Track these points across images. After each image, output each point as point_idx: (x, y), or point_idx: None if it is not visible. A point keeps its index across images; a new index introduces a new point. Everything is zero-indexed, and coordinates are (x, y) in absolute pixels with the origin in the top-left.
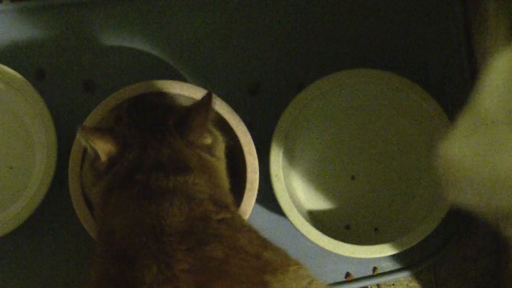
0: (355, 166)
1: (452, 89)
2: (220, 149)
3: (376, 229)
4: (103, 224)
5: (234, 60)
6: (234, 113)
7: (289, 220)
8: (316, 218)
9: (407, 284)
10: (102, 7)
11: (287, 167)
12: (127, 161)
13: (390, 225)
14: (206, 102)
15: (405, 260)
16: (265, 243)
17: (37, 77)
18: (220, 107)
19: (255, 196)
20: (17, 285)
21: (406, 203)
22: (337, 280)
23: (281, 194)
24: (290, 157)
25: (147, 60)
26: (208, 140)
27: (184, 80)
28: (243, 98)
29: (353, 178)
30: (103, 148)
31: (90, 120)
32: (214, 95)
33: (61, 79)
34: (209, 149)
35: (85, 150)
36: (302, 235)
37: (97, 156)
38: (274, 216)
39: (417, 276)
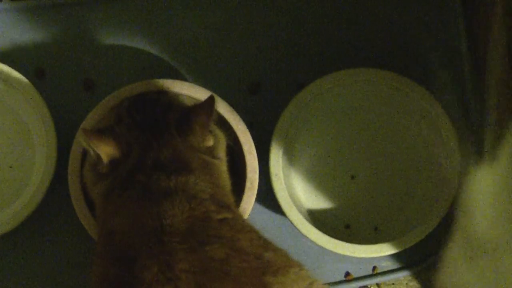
0: (355, 165)
1: (452, 89)
2: (222, 150)
3: (376, 229)
4: (104, 224)
5: (234, 59)
6: (234, 112)
7: (289, 220)
8: (316, 218)
9: (406, 283)
10: (102, 6)
11: (287, 167)
12: (129, 163)
13: (389, 225)
14: (208, 105)
15: (404, 260)
16: (266, 244)
17: (37, 76)
18: (220, 106)
19: (255, 196)
20: (16, 284)
21: (405, 203)
22: (337, 279)
23: (281, 194)
24: (290, 156)
25: (147, 59)
26: (210, 142)
27: (184, 79)
28: (243, 98)
29: (353, 177)
30: (105, 150)
31: (90, 119)
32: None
33: (61, 78)
34: (211, 151)
35: (85, 150)
36: (302, 234)
37: (98, 158)
38: (274, 216)
39: (416, 276)
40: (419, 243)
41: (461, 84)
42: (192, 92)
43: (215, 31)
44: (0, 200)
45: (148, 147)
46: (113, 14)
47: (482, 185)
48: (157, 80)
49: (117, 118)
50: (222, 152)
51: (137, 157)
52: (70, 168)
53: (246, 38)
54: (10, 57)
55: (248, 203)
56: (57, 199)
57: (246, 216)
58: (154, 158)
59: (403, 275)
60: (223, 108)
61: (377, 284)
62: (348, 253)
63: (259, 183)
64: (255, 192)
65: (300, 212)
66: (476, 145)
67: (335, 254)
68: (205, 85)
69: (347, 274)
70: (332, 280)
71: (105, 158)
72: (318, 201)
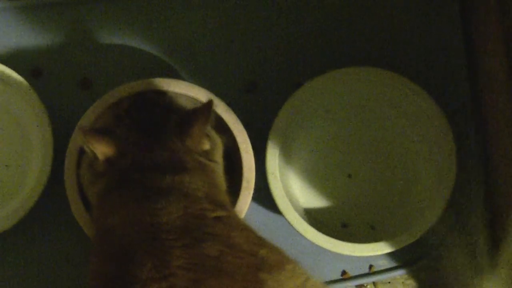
0: (352, 164)
1: (451, 89)
2: (218, 153)
3: (372, 227)
4: (100, 223)
5: (231, 58)
6: (230, 111)
7: (286, 218)
8: (312, 216)
9: (403, 282)
10: (99, 5)
11: (283, 165)
12: (125, 163)
13: (386, 223)
14: (206, 109)
15: (401, 258)
16: (261, 241)
17: (34, 75)
18: (217, 105)
19: (251, 194)
20: (13, 283)
21: (402, 202)
22: (334, 278)
23: (277, 192)
24: (287, 155)
25: (144, 58)
26: (206, 146)
27: (181, 78)
28: (240, 96)
29: (349, 176)
30: (102, 150)
31: (87, 117)
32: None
33: (58, 78)
34: (207, 154)
35: (81, 149)
36: (299, 233)
37: (95, 157)
38: (270, 214)
39: (413, 274)
40: (415, 242)
41: (460, 84)
42: (190, 91)
43: (212, 31)
44: None
45: (145, 148)
46: (110, 13)
47: None
48: (155, 79)
49: (116, 117)
50: (218, 156)
51: (134, 157)
52: (66, 167)
53: (243, 37)
54: (7, 56)
55: (245, 202)
56: (53, 198)
57: (242, 215)
58: (151, 159)
59: (400, 273)
60: (220, 107)
61: (374, 283)
62: (344, 252)
63: (255, 182)
64: (252, 191)
65: (297, 211)
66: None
67: (332, 253)
68: (202, 84)
69: (344, 272)
70: (329, 278)
71: (101, 157)
72: (314, 200)
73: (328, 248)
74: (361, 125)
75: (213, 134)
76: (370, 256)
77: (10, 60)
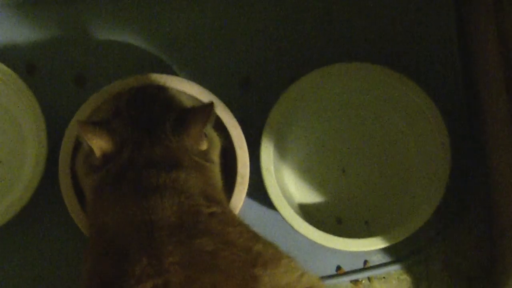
0: (346, 159)
1: (445, 85)
2: (215, 153)
3: (367, 223)
4: (95, 219)
5: (225, 53)
6: (224, 107)
7: (280, 214)
8: (307, 212)
9: (398, 277)
10: (94, 1)
11: (278, 161)
12: (121, 159)
13: (381, 219)
14: (207, 110)
15: (396, 253)
16: (255, 237)
17: (28, 72)
18: (216, 106)
19: (245, 190)
20: (6, 279)
21: (397, 197)
22: (328, 274)
23: (272, 188)
24: (281, 150)
25: (138, 54)
26: (204, 146)
27: (175, 73)
28: (234, 92)
29: (344, 171)
30: (99, 144)
31: (81, 112)
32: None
33: (52, 74)
34: (204, 154)
35: (75, 145)
36: (293, 228)
37: (91, 150)
38: (265, 210)
39: (408, 269)
40: (410, 237)
41: (454, 80)
42: (183, 87)
43: (206, 26)
44: None
45: (142, 144)
46: (104, 9)
47: None
48: (152, 74)
49: (115, 111)
50: (215, 156)
51: (130, 153)
52: (60, 163)
53: (237, 32)
54: (1, 52)
55: (239, 198)
56: (47, 194)
57: (237, 211)
58: (147, 155)
59: (394, 269)
60: (218, 108)
61: (368, 278)
62: (339, 247)
63: (250, 178)
64: (246, 186)
65: (291, 206)
66: None
67: (326, 248)
68: (195, 79)
69: (339, 268)
70: (324, 274)
71: (97, 152)
72: (309, 196)
73: (322, 243)
74: (355, 121)
75: (212, 133)
76: (365, 252)
77: (4, 56)
